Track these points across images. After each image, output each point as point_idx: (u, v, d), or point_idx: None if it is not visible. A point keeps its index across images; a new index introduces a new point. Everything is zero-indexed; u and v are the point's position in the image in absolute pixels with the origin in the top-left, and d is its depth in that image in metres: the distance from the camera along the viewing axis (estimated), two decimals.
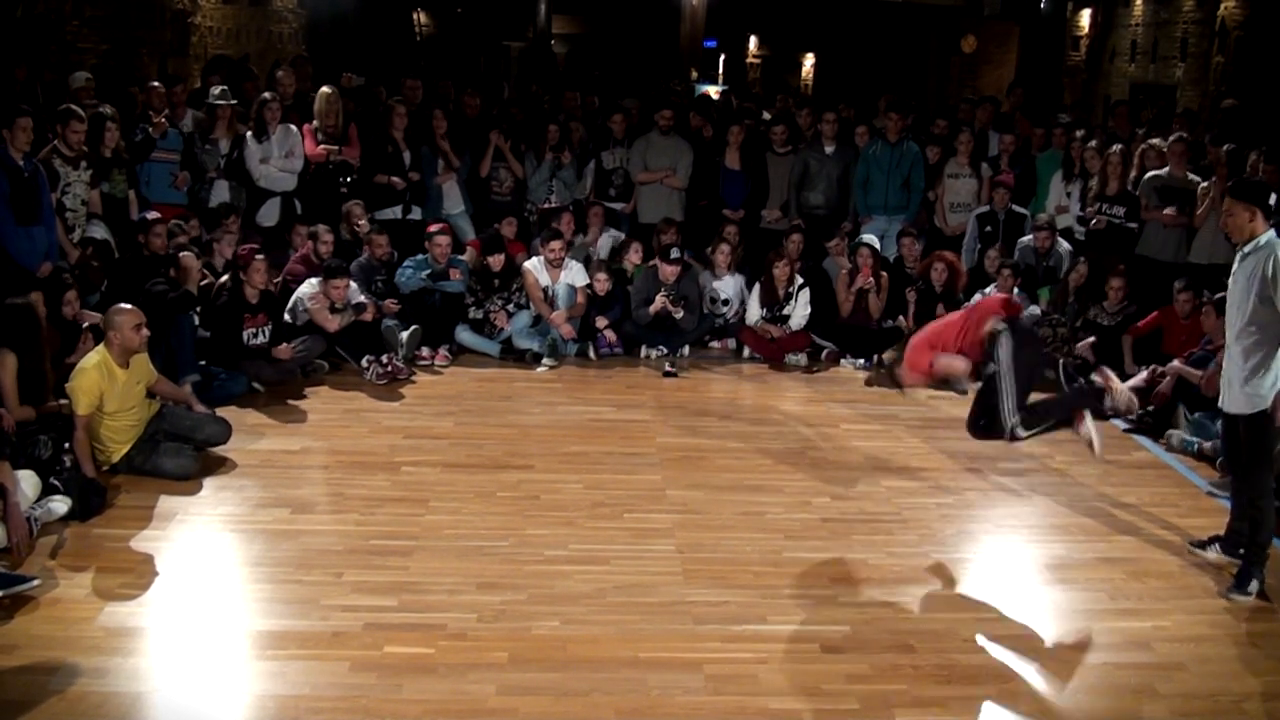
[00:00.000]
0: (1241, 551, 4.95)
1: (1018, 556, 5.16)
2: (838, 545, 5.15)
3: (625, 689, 3.94)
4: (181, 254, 6.99)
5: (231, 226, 7.76)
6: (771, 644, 4.26)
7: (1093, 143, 8.64)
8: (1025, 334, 5.08)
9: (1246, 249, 4.74)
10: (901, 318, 8.19)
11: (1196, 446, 6.38)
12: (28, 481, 4.92)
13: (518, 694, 3.89)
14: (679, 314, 8.05)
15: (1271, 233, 4.71)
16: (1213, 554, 5.11)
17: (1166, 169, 8.11)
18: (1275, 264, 4.57)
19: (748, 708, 3.85)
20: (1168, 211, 7.95)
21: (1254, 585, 4.75)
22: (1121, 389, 5.03)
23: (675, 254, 8.13)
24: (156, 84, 8.37)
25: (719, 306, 8.40)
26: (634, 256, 8.48)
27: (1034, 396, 5.16)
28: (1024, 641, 4.37)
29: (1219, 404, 4.93)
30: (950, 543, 5.24)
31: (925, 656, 4.22)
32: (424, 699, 3.84)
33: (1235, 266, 4.81)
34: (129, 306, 5.62)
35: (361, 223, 8.25)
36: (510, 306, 8.11)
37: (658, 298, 8.02)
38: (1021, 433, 5.01)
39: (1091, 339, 7.70)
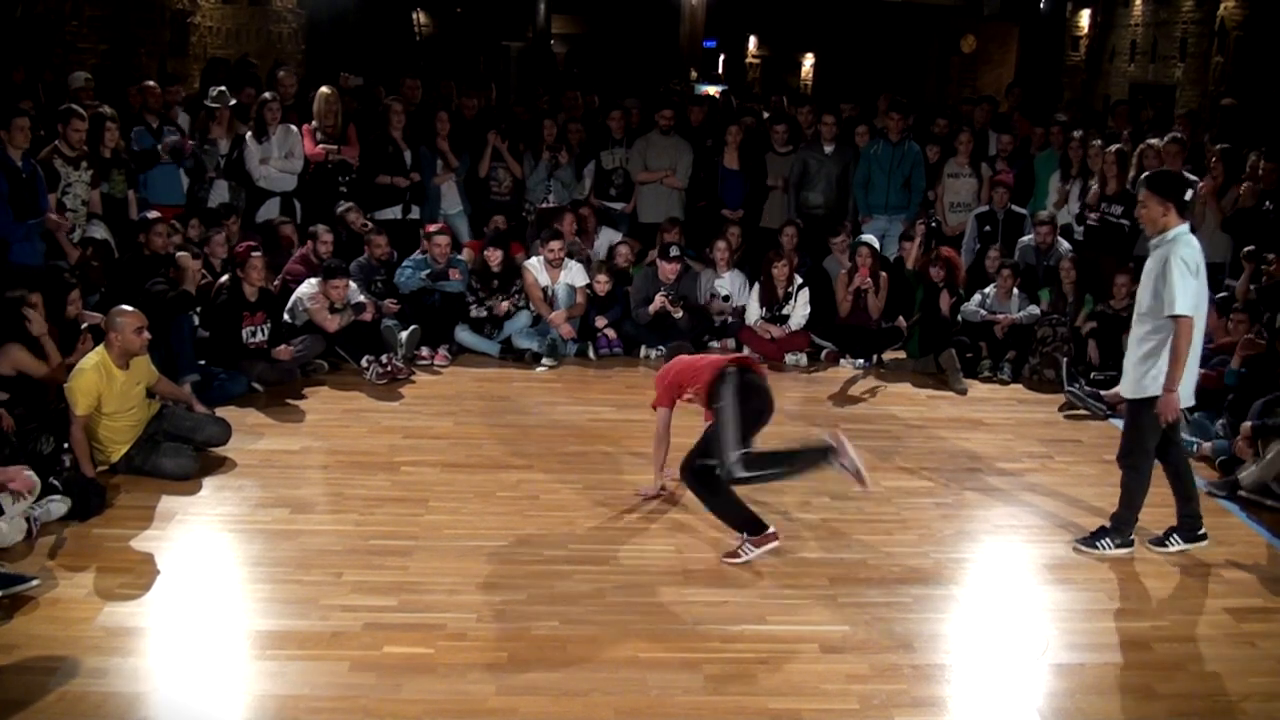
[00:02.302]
0: (1201, 533, 5.14)
1: (1017, 556, 5.16)
2: (837, 545, 5.15)
3: (625, 689, 3.94)
4: (179, 254, 6.99)
5: (231, 227, 7.76)
6: (771, 644, 4.26)
7: (1096, 142, 8.63)
8: (753, 385, 5.04)
9: (1154, 242, 4.90)
10: (901, 318, 8.20)
11: (1196, 447, 6.38)
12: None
13: (517, 694, 3.89)
14: (678, 314, 8.04)
15: (1182, 228, 4.84)
16: (1174, 546, 5.17)
17: (1162, 169, 8.11)
18: (1169, 265, 4.73)
19: (747, 708, 3.85)
20: None
21: (1105, 543, 5.06)
22: (851, 455, 4.80)
23: (675, 251, 8.13)
24: (152, 84, 8.35)
25: (719, 303, 8.40)
26: (620, 260, 8.47)
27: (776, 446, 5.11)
28: (1024, 642, 4.36)
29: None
30: (950, 543, 5.24)
31: (925, 656, 4.22)
32: (424, 699, 3.84)
33: (1150, 257, 4.93)
34: (131, 309, 5.62)
35: (362, 221, 8.26)
36: (511, 299, 8.10)
37: (657, 297, 8.02)
38: (741, 472, 4.77)
39: (1093, 323, 7.70)
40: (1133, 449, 5.04)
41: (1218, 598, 4.76)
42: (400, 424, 6.59)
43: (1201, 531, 5.16)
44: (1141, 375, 4.90)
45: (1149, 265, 4.91)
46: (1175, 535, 5.17)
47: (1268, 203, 7.54)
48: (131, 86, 8.55)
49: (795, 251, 8.46)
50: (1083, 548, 5.11)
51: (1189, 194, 4.92)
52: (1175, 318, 4.73)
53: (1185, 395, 4.91)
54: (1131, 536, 5.11)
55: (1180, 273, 4.70)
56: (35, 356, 5.67)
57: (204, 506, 5.38)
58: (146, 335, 5.63)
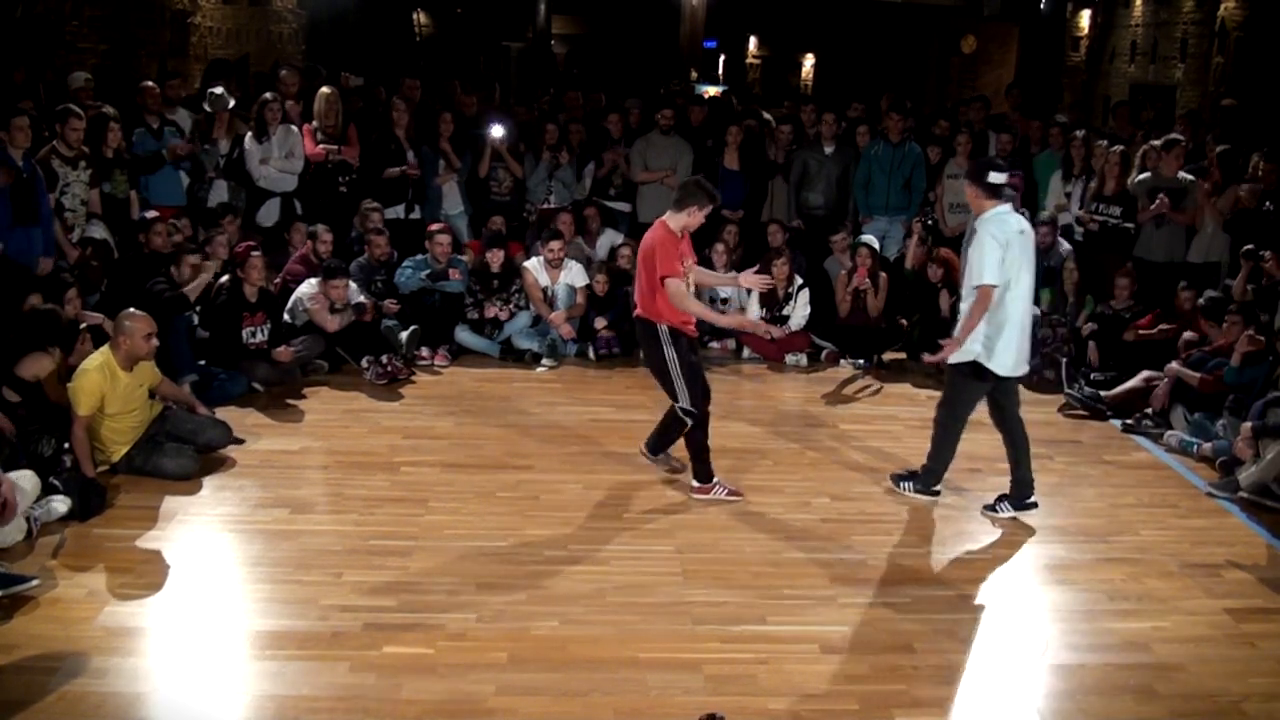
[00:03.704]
0: (1031, 501, 5.49)
1: (1017, 557, 5.16)
2: (837, 545, 5.15)
3: (625, 689, 3.94)
4: (189, 257, 6.97)
5: (227, 227, 7.75)
6: (771, 644, 4.26)
7: (1102, 142, 8.62)
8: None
9: (975, 222, 5.38)
10: (902, 319, 8.19)
11: (1196, 447, 6.39)
12: (28, 481, 4.91)
13: (517, 694, 3.89)
14: None
15: (999, 208, 5.23)
16: (1005, 513, 5.50)
17: (1156, 170, 8.11)
18: (979, 240, 5.18)
19: (747, 708, 3.85)
20: (1161, 199, 7.92)
21: (906, 486, 5.65)
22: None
23: None
24: (151, 84, 8.34)
25: (718, 305, 8.39)
26: (622, 261, 8.46)
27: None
28: (1024, 642, 4.37)
29: None
30: (950, 543, 5.24)
31: (925, 656, 4.22)
32: (423, 699, 3.84)
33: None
34: (142, 314, 5.63)
35: (374, 217, 8.27)
36: (510, 306, 8.11)
37: None
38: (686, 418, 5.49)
39: (1093, 325, 7.71)
40: (946, 410, 5.51)
41: (1218, 598, 4.76)
42: (400, 424, 6.59)
43: (1031, 500, 5.48)
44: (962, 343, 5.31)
45: (969, 244, 5.36)
46: (1005, 502, 5.52)
47: (1268, 203, 7.54)
48: (135, 88, 8.54)
49: (786, 248, 8.44)
50: (890, 483, 5.72)
51: (1001, 177, 5.33)
52: (977, 287, 5.15)
53: (1006, 365, 5.27)
54: (936, 488, 5.59)
55: (989, 247, 5.11)
56: (60, 374, 5.63)
57: (204, 506, 5.38)
58: (155, 341, 5.63)
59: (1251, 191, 7.70)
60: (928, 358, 5.68)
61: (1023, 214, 8.66)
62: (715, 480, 5.61)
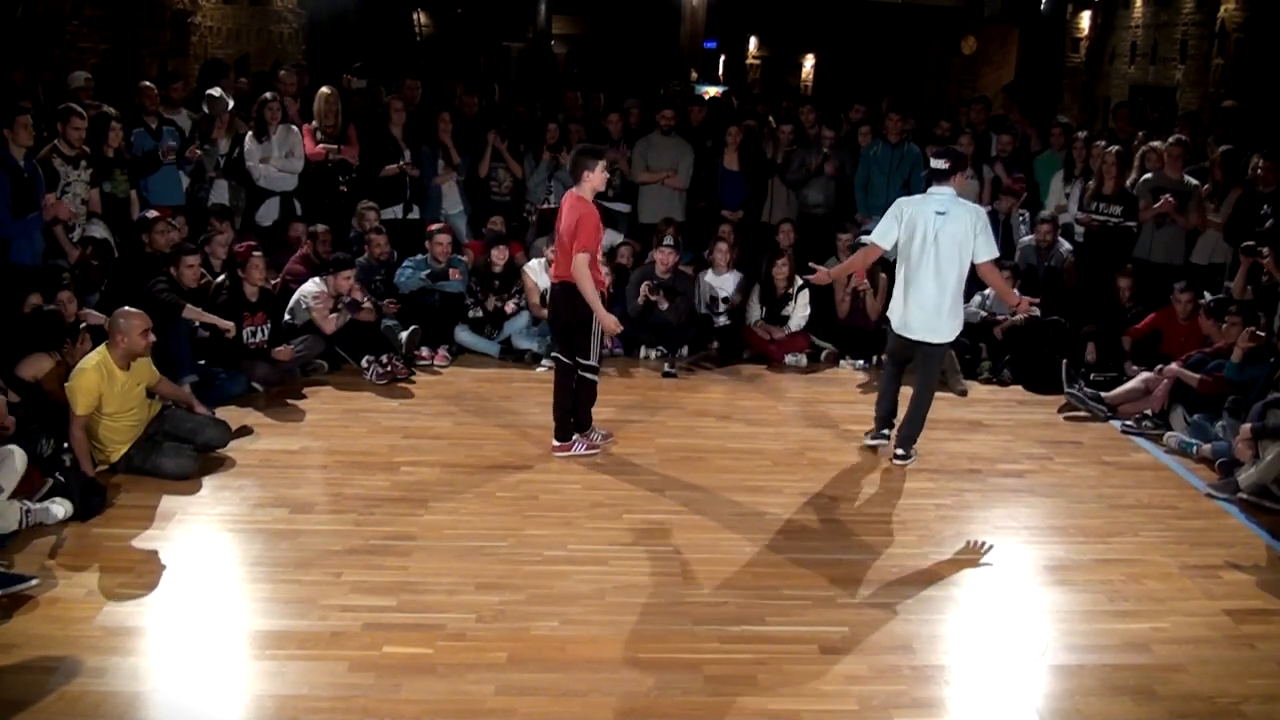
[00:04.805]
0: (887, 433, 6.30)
1: (1017, 558, 5.16)
2: (837, 546, 5.15)
3: (624, 689, 3.94)
4: (187, 258, 6.96)
5: (223, 228, 7.74)
6: (770, 645, 4.26)
7: (1100, 142, 8.61)
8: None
9: None
10: None
11: (1195, 449, 6.39)
12: (16, 457, 4.87)
13: (516, 694, 3.89)
14: (664, 305, 8.00)
15: (933, 189, 5.83)
16: (913, 459, 6.16)
17: (1159, 170, 8.10)
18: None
19: (746, 708, 3.85)
20: (1166, 199, 7.91)
21: (904, 458, 6.12)
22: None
23: (669, 241, 8.16)
24: (149, 84, 8.34)
25: (719, 305, 8.40)
26: (622, 261, 8.46)
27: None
28: (1023, 642, 4.37)
29: None
30: (949, 544, 5.24)
31: (924, 657, 4.22)
32: (423, 699, 3.84)
33: None
34: (138, 311, 5.64)
35: (370, 216, 8.27)
36: (513, 300, 8.11)
37: (642, 287, 8.00)
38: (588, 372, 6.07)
39: (1091, 326, 7.73)
40: (916, 378, 6.12)
41: (1217, 599, 4.76)
42: (400, 424, 6.59)
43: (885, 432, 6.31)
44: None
45: None
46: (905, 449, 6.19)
47: (1265, 206, 7.52)
48: (134, 88, 8.54)
49: (793, 248, 8.44)
50: (898, 464, 6.12)
51: (939, 163, 5.94)
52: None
53: (893, 322, 6.01)
54: (885, 430, 6.32)
55: (885, 215, 5.95)
56: (59, 373, 5.63)
57: (204, 506, 5.38)
58: (152, 338, 5.64)
59: (1248, 193, 7.71)
60: (812, 277, 6.33)
61: (1022, 215, 8.90)
62: (575, 438, 6.19)
